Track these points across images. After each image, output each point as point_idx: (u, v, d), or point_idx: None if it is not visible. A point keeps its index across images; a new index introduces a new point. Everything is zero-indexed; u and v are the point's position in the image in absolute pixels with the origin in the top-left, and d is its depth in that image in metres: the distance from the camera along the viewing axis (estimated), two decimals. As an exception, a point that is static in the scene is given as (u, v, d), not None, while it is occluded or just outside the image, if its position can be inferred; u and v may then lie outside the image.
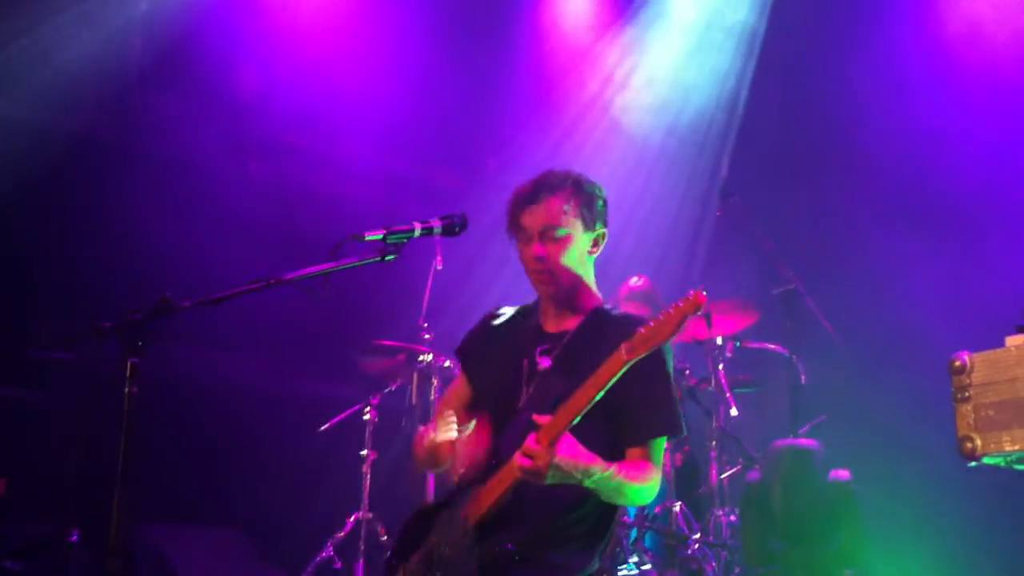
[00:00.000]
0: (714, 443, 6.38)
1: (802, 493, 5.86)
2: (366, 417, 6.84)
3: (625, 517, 5.86)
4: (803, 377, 6.67)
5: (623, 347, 2.84)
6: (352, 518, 6.63)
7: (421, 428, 3.50)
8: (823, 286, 7.27)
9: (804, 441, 6.22)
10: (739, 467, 6.55)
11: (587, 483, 2.98)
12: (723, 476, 6.41)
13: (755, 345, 6.78)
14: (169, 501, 6.48)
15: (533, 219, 3.28)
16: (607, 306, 3.43)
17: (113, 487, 2.58)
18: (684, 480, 6.41)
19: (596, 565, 3.22)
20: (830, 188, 7.71)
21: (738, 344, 6.63)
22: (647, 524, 5.94)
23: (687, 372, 6.40)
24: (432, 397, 6.44)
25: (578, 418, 2.87)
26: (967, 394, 2.89)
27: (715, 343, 6.52)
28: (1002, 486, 5.84)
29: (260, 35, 7.45)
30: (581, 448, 2.93)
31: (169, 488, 6.44)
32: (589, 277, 3.40)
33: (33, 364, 5.79)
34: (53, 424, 5.56)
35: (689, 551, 5.97)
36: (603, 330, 3.27)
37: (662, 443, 3.24)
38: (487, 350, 3.51)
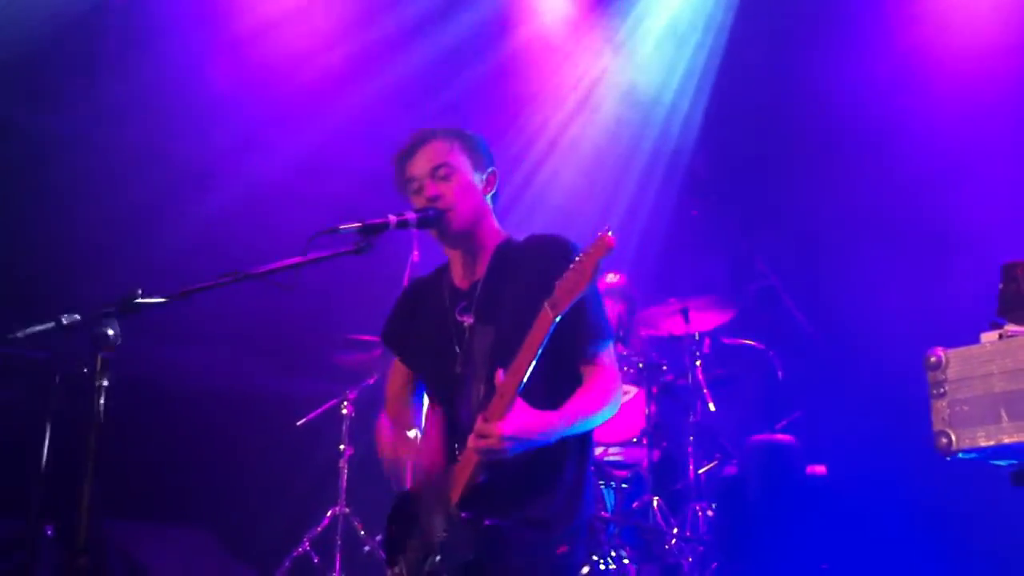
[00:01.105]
0: (691, 438, 6.39)
1: (779, 488, 5.89)
2: (343, 412, 6.84)
3: (603, 512, 5.86)
4: (779, 372, 6.70)
5: (547, 306, 2.83)
6: (329, 513, 6.62)
7: (381, 423, 3.48)
8: (799, 282, 7.30)
9: (781, 436, 6.25)
10: (716, 462, 6.56)
11: (553, 440, 3.00)
12: (700, 471, 6.42)
13: (732, 341, 6.80)
14: (142, 500, 6.44)
15: (419, 165, 3.29)
16: (511, 238, 3.40)
17: (81, 484, 2.55)
18: (661, 475, 6.41)
19: (583, 519, 3.20)
20: (805, 184, 7.72)
21: (715, 340, 6.64)
22: (625, 519, 5.95)
23: (664, 367, 6.40)
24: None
25: (524, 381, 2.86)
26: (942, 390, 2.90)
27: (692, 339, 6.53)
28: (977, 481, 5.87)
29: (232, 28, 7.39)
30: (533, 413, 2.93)
31: (142, 487, 6.40)
32: (489, 216, 3.38)
33: (1, 361, 5.74)
34: (23, 421, 5.50)
35: (667, 546, 5.98)
36: (512, 263, 3.27)
37: (607, 343, 3.22)
38: (410, 327, 3.49)
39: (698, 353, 6.52)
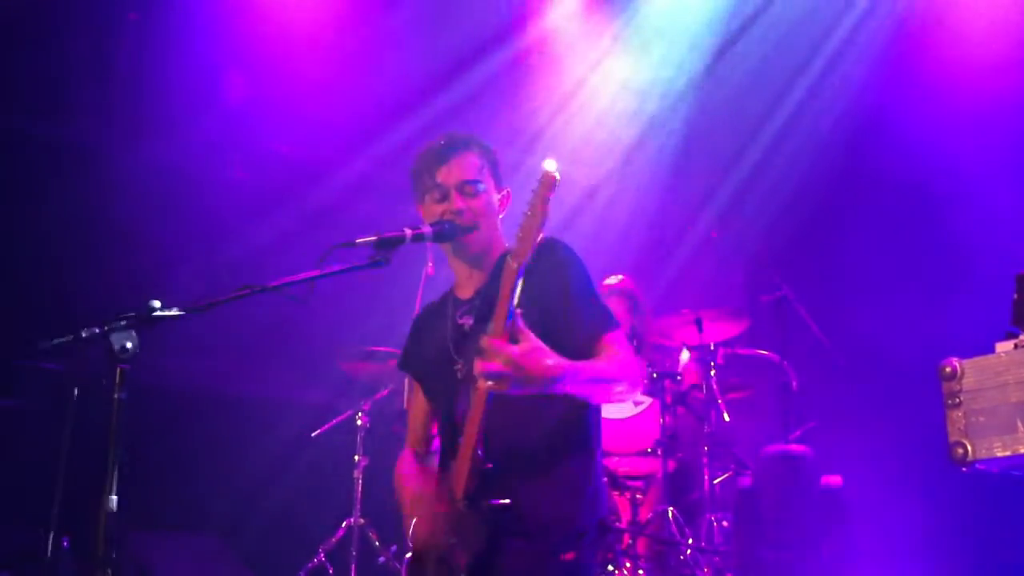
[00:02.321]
0: (706, 449, 6.37)
1: (793, 499, 5.87)
2: (358, 423, 6.85)
3: (617, 524, 5.86)
4: (794, 383, 6.68)
5: (508, 259, 2.81)
6: (344, 524, 6.62)
7: (404, 463, 3.46)
8: (813, 292, 7.29)
9: (795, 447, 6.23)
10: (731, 473, 6.55)
11: (558, 385, 2.85)
12: (715, 482, 6.41)
13: (746, 351, 6.79)
14: (157, 509, 6.46)
15: (450, 175, 3.28)
16: (509, 247, 3.37)
17: (100, 496, 2.56)
18: (676, 486, 6.41)
19: (591, 523, 3.13)
20: (820, 195, 7.72)
21: (729, 350, 6.63)
22: (640, 529, 5.94)
23: (679, 378, 6.40)
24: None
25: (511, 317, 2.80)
26: (958, 400, 2.89)
27: (707, 349, 6.52)
28: (993, 492, 5.85)
29: (246, 40, 7.43)
30: (544, 347, 2.82)
31: (157, 496, 6.41)
32: (499, 234, 3.39)
33: (18, 373, 5.77)
34: (41, 433, 5.53)
35: (682, 556, 5.97)
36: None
37: (614, 330, 3.16)
38: (421, 347, 3.51)
39: (712, 363, 6.52)
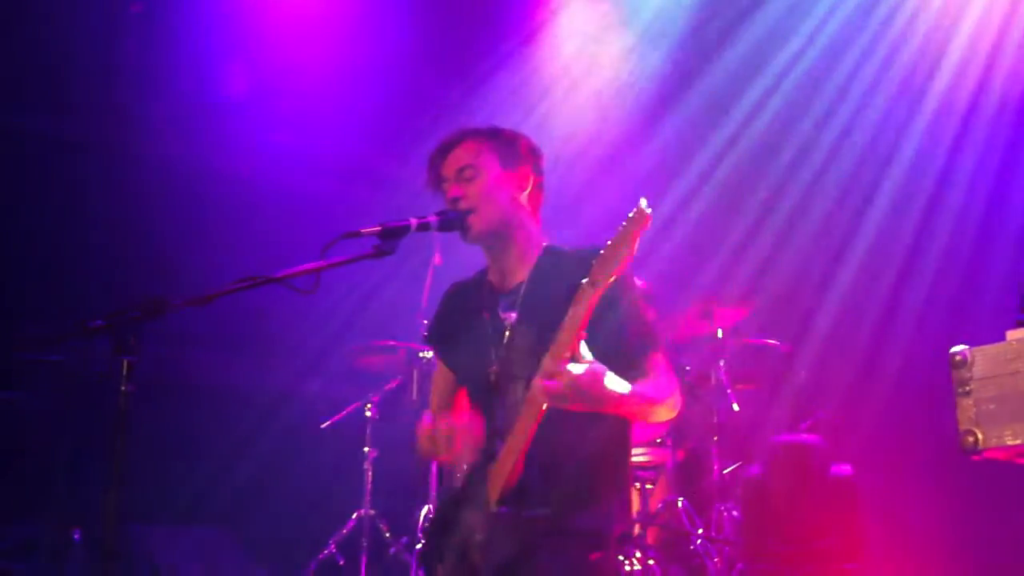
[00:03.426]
0: (715, 439, 6.37)
1: (803, 488, 5.86)
2: (367, 414, 6.86)
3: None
4: (803, 372, 6.67)
5: (585, 284, 2.77)
6: (354, 515, 6.64)
7: (424, 418, 3.47)
8: (822, 280, 7.26)
9: (805, 437, 6.22)
10: (741, 463, 6.54)
11: (611, 407, 2.89)
12: (725, 471, 6.41)
13: (755, 341, 6.78)
14: (166, 502, 6.48)
15: (448, 165, 3.28)
16: (557, 244, 3.36)
17: (108, 488, 2.56)
18: (686, 475, 6.41)
19: (622, 527, 3.18)
20: (828, 180, 7.69)
21: (739, 340, 6.62)
22: (650, 520, 5.94)
23: (687, 368, 6.39)
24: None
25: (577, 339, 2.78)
26: (968, 388, 2.87)
27: (716, 338, 6.51)
28: (1003, 480, 5.83)
29: (244, 33, 7.42)
30: (601, 367, 2.82)
31: (166, 489, 6.43)
32: (526, 219, 3.33)
33: (22, 366, 5.78)
34: (44, 425, 5.55)
35: (692, 546, 5.97)
36: (558, 268, 3.20)
37: (659, 348, 3.16)
38: (450, 327, 3.47)
39: (722, 354, 6.50)
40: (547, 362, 2.80)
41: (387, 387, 6.92)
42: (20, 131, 6.71)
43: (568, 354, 2.79)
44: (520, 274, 3.31)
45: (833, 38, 7.55)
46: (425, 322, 3.64)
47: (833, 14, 7.57)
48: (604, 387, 2.82)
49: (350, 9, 7.71)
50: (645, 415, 3.11)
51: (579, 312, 2.77)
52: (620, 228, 2.74)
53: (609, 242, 2.76)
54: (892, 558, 6.13)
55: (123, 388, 2.63)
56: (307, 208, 7.24)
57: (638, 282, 3.23)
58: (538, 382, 2.81)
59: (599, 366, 2.82)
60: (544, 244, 3.34)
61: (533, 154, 3.39)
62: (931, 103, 7.20)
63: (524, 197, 3.34)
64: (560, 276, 3.10)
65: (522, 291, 3.27)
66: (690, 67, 8.08)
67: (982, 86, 6.99)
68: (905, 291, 7.00)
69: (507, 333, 3.23)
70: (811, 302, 6.98)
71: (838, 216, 7.69)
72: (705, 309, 6.47)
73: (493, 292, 3.35)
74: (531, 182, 3.35)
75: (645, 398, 3.01)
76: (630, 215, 2.72)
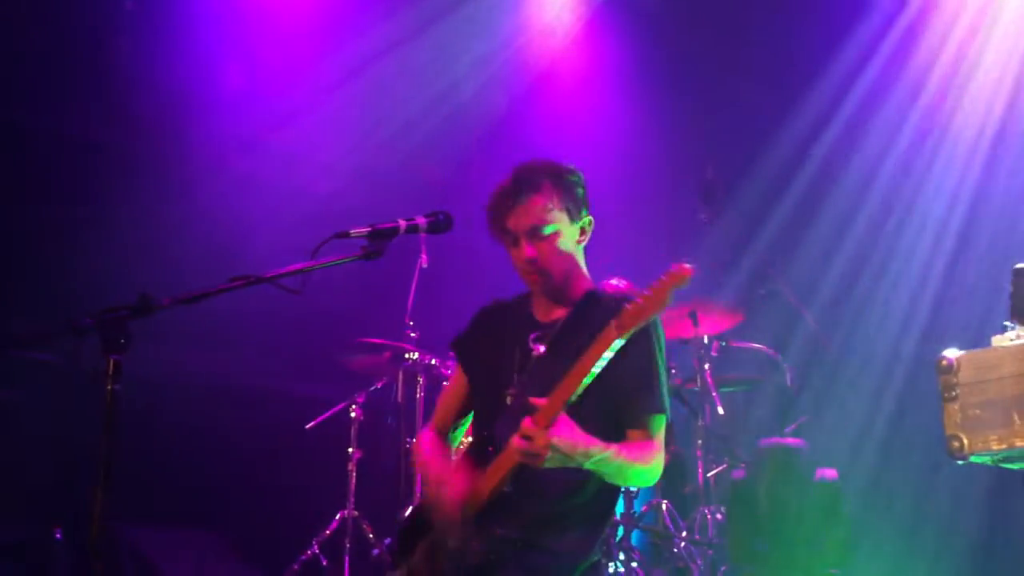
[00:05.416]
0: (700, 442, 6.37)
1: (788, 492, 5.87)
2: (352, 415, 6.84)
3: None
4: (789, 376, 6.68)
5: (612, 323, 2.84)
6: (338, 516, 6.62)
7: (424, 435, 3.51)
8: (808, 285, 7.29)
9: (790, 440, 6.23)
10: (725, 466, 6.54)
11: (587, 465, 2.97)
12: (709, 475, 6.40)
13: (741, 344, 6.78)
14: (152, 502, 6.44)
15: (518, 221, 3.25)
16: (598, 289, 3.40)
17: (94, 487, 2.55)
18: (670, 478, 6.41)
19: (597, 555, 3.21)
20: (814, 187, 7.72)
21: (724, 343, 6.62)
22: (633, 522, 5.94)
23: (672, 371, 6.39)
24: (418, 395, 6.42)
25: (573, 397, 2.87)
26: (954, 393, 2.90)
27: (701, 342, 6.51)
28: (988, 485, 5.86)
29: (241, 31, 7.39)
30: (578, 429, 2.92)
31: (152, 489, 6.39)
32: (580, 266, 3.38)
33: (9, 364, 5.75)
34: (31, 424, 5.52)
35: (675, 549, 5.97)
36: (594, 310, 3.24)
37: (661, 420, 3.22)
38: (481, 342, 3.50)
39: (707, 356, 6.51)
40: (526, 424, 2.88)
41: (372, 388, 6.90)
42: (11, 127, 6.67)
43: (553, 413, 2.86)
44: (560, 311, 3.36)
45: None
46: (456, 332, 3.64)
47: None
48: (578, 451, 2.92)
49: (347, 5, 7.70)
50: (620, 479, 3.16)
51: (597, 351, 2.86)
52: (657, 282, 2.80)
53: (644, 291, 2.82)
54: (876, 562, 6.15)
55: (110, 387, 2.63)
56: (307, 208, 7.21)
57: (662, 333, 3.26)
58: (514, 442, 2.90)
59: (575, 430, 2.91)
60: (587, 288, 3.38)
61: (586, 190, 3.40)
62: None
63: (584, 243, 3.40)
64: (596, 318, 3.12)
65: (558, 327, 3.31)
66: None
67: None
68: (892, 295, 7.03)
69: (531, 362, 3.28)
70: (798, 305, 6.98)
71: (823, 222, 7.72)
72: (690, 312, 6.46)
73: (532, 320, 3.40)
74: (590, 231, 3.40)
75: (623, 462, 3.07)
76: (670, 271, 2.78)
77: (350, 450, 6.76)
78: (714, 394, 6.44)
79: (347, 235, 3.03)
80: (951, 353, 2.93)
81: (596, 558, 3.21)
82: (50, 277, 6.54)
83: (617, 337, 2.83)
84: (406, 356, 6.46)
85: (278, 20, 7.48)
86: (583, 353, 2.91)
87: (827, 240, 7.68)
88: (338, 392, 6.94)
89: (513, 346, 3.35)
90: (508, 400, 3.26)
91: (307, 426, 6.86)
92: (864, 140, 7.54)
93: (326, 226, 3.02)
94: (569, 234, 3.30)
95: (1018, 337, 2.88)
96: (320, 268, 2.97)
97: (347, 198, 7.42)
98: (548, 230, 3.24)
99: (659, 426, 3.21)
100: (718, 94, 8.16)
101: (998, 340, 2.92)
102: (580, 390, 2.87)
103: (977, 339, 3.05)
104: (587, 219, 3.37)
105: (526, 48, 8.27)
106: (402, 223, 3.12)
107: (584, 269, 3.40)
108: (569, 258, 3.31)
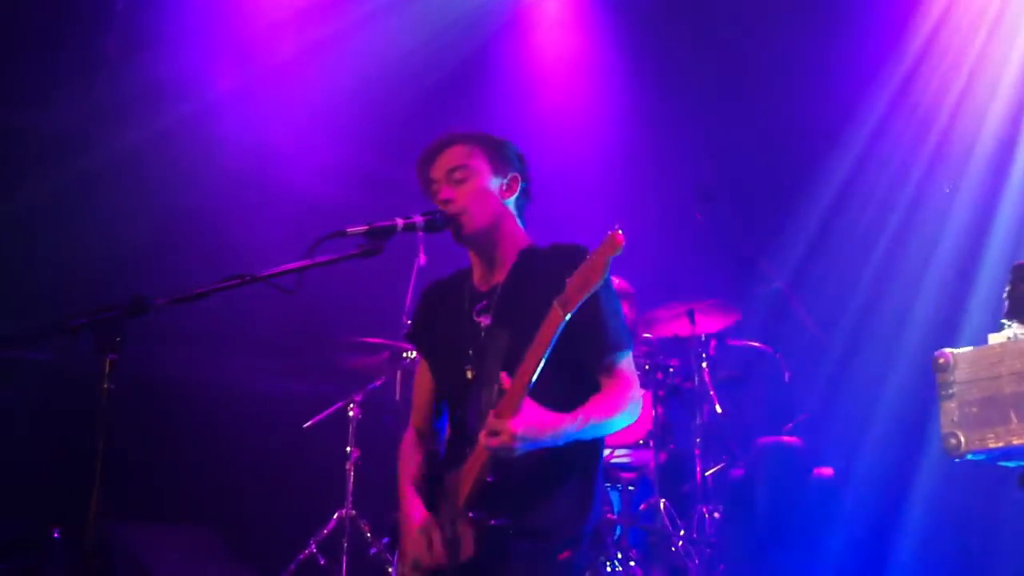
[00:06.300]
0: (698, 440, 6.38)
1: (785, 490, 5.88)
2: (350, 414, 6.83)
3: (610, 514, 5.85)
4: (786, 375, 6.69)
5: (556, 304, 2.84)
6: (336, 515, 6.61)
7: (405, 447, 3.49)
8: (805, 283, 7.29)
9: (787, 439, 6.24)
10: (723, 464, 6.55)
11: (561, 442, 3.00)
12: (707, 473, 6.41)
13: (738, 343, 6.79)
14: (149, 501, 6.44)
15: (437, 168, 3.32)
16: (535, 245, 3.40)
17: (89, 486, 2.55)
18: (668, 477, 6.40)
19: (589, 527, 3.19)
20: (811, 185, 7.72)
21: (721, 342, 6.63)
22: (631, 521, 5.94)
23: (671, 370, 6.39)
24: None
25: (533, 380, 2.87)
26: (951, 391, 2.89)
27: (698, 340, 6.51)
28: (985, 483, 5.85)
29: (234, 32, 7.38)
30: (544, 411, 2.94)
31: (149, 488, 6.40)
32: (510, 221, 3.38)
33: (4, 364, 5.74)
34: (26, 423, 5.51)
35: (673, 548, 5.97)
36: (534, 270, 3.26)
37: (623, 355, 3.22)
38: (431, 325, 3.51)
39: (704, 355, 6.51)
40: (491, 419, 2.91)
41: (370, 387, 6.90)
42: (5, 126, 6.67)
43: (517, 401, 2.87)
44: (498, 275, 3.36)
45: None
46: (408, 322, 3.64)
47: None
48: (547, 432, 2.95)
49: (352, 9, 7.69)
50: (603, 432, 3.18)
51: (546, 335, 2.86)
52: (593, 252, 2.81)
53: (582, 265, 2.82)
54: (872, 560, 6.15)
55: (105, 386, 2.62)
56: (305, 208, 7.20)
57: (613, 281, 3.26)
58: (482, 439, 2.93)
59: (541, 415, 2.93)
60: (521, 246, 3.38)
61: (521, 160, 3.44)
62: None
63: (512, 201, 3.40)
64: (534, 276, 3.20)
65: (497, 293, 3.31)
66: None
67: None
68: (888, 293, 7.02)
69: (481, 335, 3.27)
70: (795, 304, 6.98)
71: (820, 220, 7.72)
72: (688, 311, 6.46)
73: (473, 292, 3.39)
74: (519, 187, 3.40)
75: (596, 418, 3.08)
76: (604, 240, 2.79)
77: (348, 449, 6.75)
78: (712, 392, 6.45)
79: (344, 234, 3.03)
80: (948, 351, 2.92)
81: (588, 530, 3.18)
82: (46, 275, 6.53)
83: (564, 316, 2.83)
84: (404, 355, 6.47)
85: (270, 19, 7.46)
86: (530, 319, 2.91)
87: (826, 238, 7.68)
88: (336, 391, 6.94)
89: (460, 321, 3.34)
90: (469, 375, 3.25)
91: (305, 425, 6.86)
92: (863, 138, 7.53)
93: (324, 225, 3.02)
94: (492, 183, 3.33)
95: (1015, 335, 2.88)
96: (317, 267, 2.96)
97: (345, 197, 7.42)
98: (465, 172, 3.29)
99: (623, 360, 3.21)
100: (717, 93, 8.14)
101: (995, 338, 2.92)
102: (538, 371, 2.86)
103: (977, 339, 3.05)
104: (514, 174, 3.39)
105: (524, 48, 8.28)
106: (399, 222, 3.11)
107: (518, 225, 3.40)
108: (491, 204, 3.31)
